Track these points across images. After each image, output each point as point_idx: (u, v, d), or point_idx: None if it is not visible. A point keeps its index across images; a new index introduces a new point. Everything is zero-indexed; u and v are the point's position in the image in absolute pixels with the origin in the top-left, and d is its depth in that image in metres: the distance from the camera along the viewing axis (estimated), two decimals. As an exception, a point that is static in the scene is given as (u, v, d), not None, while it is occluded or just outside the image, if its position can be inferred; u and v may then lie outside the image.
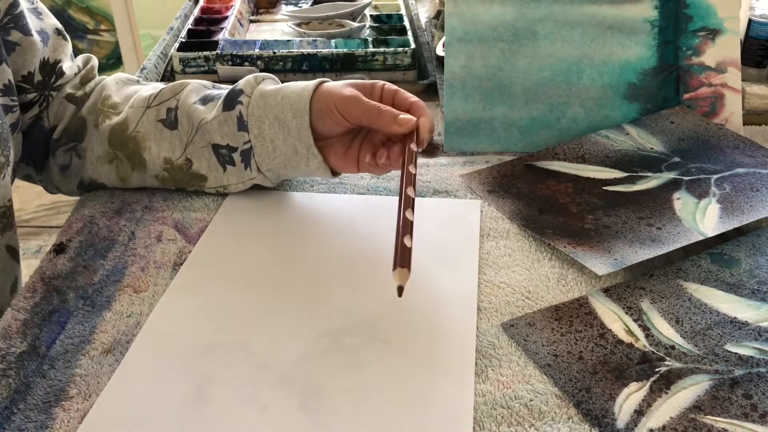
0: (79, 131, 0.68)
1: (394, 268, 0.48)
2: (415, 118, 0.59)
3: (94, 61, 0.74)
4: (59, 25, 0.71)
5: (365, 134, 0.63)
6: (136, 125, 0.66)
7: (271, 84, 0.64)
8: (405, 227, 0.51)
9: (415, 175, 0.56)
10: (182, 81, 0.68)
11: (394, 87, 0.62)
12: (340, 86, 0.61)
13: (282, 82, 0.66)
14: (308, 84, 0.62)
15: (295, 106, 0.61)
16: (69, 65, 0.71)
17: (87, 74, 0.72)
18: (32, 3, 0.69)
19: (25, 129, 0.69)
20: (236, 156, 0.64)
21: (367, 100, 0.59)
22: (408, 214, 0.51)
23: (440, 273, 0.58)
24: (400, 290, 0.47)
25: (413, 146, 0.58)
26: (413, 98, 0.61)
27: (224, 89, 0.66)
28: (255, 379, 0.48)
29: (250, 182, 0.66)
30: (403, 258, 0.48)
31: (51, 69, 0.69)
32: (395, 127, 0.58)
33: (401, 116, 0.58)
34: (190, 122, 0.65)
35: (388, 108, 0.59)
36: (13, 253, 0.68)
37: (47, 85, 0.69)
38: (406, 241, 0.49)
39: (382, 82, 0.62)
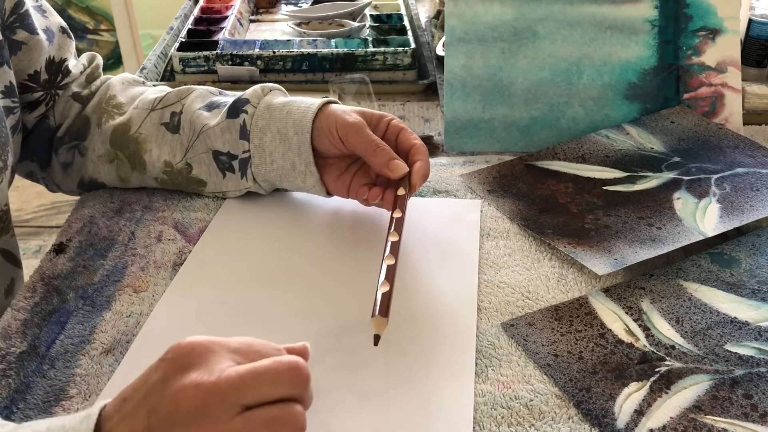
0: (83, 130, 0.69)
1: (373, 315, 0.47)
2: (406, 168, 0.58)
3: (99, 60, 0.74)
4: (64, 24, 0.71)
5: (362, 162, 0.62)
6: (139, 127, 0.66)
7: (278, 96, 0.64)
8: (384, 273, 0.50)
9: (402, 218, 0.55)
10: (189, 86, 0.69)
11: (401, 124, 0.61)
12: (347, 111, 0.60)
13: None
14: (314, 102, 0.61)
15: (298, 122, 0.61)
16: (74, 63, 0.71)
17: (92, 72, 0.72)
18: (37, 1, 0.69)
19: (30, 127, 0.69)
20: (236, 164, 0.64)
21: (368, 132, 0.59)
22: (388, 260, 0.51)
23: (440, 273, 0.58)
24: (377, 339, 0.46)
25: (401, 191, 0.57)
26: (417, 141, 0.60)
27: (231, 97, 0.66)
28: (255, 379, 0.47)
29: (245, 190, 0.66)
30: (381, 306, 0.47)
31: (57, 67, 0.69)
32: (386, 170, 0.58)
33: (395, 161, 0.58)
34: (192, 127, 0.65)
35: (386, 148, 0.58)
36: (10, 256, 0.68)
37: (53, 83, 0.69)
38: (384, 287, 0.49)
39: (390, 117, 0.61)
